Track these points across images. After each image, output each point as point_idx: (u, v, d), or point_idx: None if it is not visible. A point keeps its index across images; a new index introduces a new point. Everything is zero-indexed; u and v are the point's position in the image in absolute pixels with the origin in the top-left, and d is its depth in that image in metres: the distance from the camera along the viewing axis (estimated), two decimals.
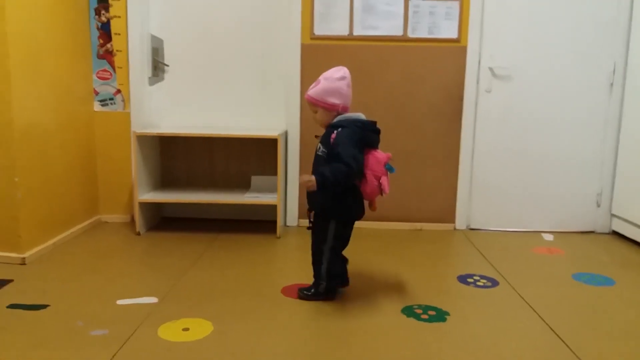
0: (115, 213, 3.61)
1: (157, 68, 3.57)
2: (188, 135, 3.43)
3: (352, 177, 2.15)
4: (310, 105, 2.28)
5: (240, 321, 2.12)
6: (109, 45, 3.44)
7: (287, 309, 2.26)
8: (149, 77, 3.53)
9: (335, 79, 2.23)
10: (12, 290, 2.38)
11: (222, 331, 2.03)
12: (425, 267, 2.82)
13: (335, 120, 2.24)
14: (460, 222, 3.58)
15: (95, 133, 3.52)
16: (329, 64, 3.38)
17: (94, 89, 3.48)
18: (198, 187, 3.65)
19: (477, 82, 3.45)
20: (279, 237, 3.31)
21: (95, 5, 3.39)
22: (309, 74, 3.42)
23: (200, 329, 2.05)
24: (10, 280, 2.48)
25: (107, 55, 3.45)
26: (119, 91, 3.48)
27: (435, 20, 3.38)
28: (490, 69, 3.44)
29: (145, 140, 3.36)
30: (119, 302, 2.28)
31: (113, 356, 1.82)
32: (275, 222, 3.35)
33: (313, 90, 2.24)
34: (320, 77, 2.25)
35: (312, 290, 2.36)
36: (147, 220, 3.42)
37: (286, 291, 2.44)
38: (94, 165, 3.53)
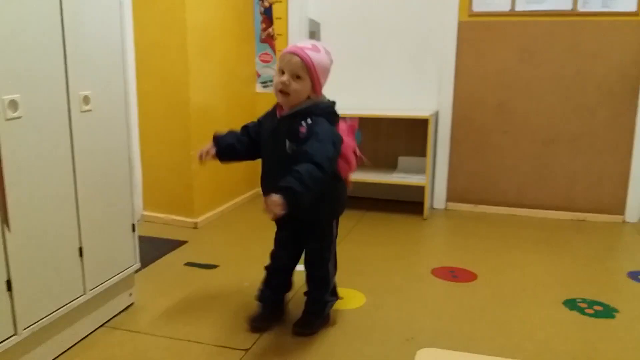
0: None
1: None
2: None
3: (323, 184, 1.62)
4: (295, 67, 1.65)
5: (392, 296, 2.15)
6: (270, 30, 3.64)
7: (440, 289, 2.25)
8: None
9: (330, 60, 1.74)
10: (187, 250, 2.68)
11: (375, 304, 2.08)
12: (589, 260, 2.61)
13: (304, 105, 1.70)
14: (631, 215, 3.23)
15: (257, 112, 3.76)
16: (488, 42, 3.27)
17: (257, 71, 3.72)
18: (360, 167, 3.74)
19: None
20: (426, 219, 3.27)
21: None
22: (465, 53, 3.31)
23: (354, 299, 2.12)
24: (186, 242, 2.79)
25: (268, 39, 3.66)
26: None
27: None
28: None
29: None
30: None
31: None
32: (422, 203, 3.32)
33: (316, 56, 1.67)
34: (319, 46, 1.72)
35: (321, 317, 1.90)
36: None
37: (437, 272, 2.41)
38: None
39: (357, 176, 3.42)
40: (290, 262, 1.95)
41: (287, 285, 1.98)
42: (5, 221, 1.44)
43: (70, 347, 1.74)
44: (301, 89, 1.66)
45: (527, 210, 3.35)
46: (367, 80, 3.69)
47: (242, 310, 2.02)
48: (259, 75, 3.73)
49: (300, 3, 3.56)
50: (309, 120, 1.66)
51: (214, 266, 2.45)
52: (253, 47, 3.67)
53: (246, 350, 1.75)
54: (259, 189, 3.84)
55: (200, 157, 1.83)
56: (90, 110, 1.73)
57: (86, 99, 1.71)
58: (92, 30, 1.73)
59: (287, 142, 1.67)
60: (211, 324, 1.91)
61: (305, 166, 1.56)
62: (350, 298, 2.13)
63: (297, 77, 1.65)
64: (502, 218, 3.28)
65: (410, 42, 3.55)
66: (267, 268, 1.96)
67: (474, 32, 3.29)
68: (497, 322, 1.96)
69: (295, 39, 3.57)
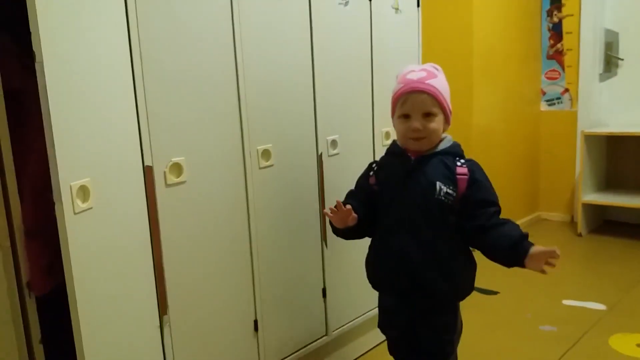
0: (555, 211, 3.63)
1: (610, 63, 3.38)
2: None
3: None
4: (424, 106, 1.31)
5: None
6: (559, 45, 3.45)
7: None
8: (600, 74, 3.38)
9: (444, 76, 1.38)
10: None
11: None
12: None
13: (446, 144, 1.37)
14: None
15: (541, 132, 3.61)
16: None
17: (542, 89, 3.56)
18: None
19: None
20: None
21: (547, 7, 3.46)
22: None
23: None
24: None
25: (556, 55, 3.48)
26: (566, 90, 3.47)
27: None
28: None
29: (592, 140, 3.24)
30: (565, 302, 2.31)
31: (563, 355, 1.88)
32: None
33: (439, 83, 1.33)
34: (430, 68, 1.36)
35: None
36: (589, 222, 3.30)
37: None
38: (537, 163, 3.63)
39: None
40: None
41: None
42: (324, 239, 1.74)
43: (363, 354, 1.97)
44: (438, 126, 1.34)
45: None
46: None
47: (527, 341, 1.99)
48: (544, 93, 3.57)
49: (595, 14, 3.29)
50: (462, 160, 1.35)
51: (494, 292, 2.45)
52: (539, 65, 3.54)
53: None
54: (538, 213, 3.70)
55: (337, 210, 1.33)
56: (337, 154, 1.74)
57: (334, 143, 1.73)
58: (342, 82, 1.75)
59: (439, 185, 1.30)
60: (494, 351, 1.93)
61: (506, 219, 1.31)
62: None
63: (428, 115, 1.32)
64: None
65: None
66: None
67: None
68: None
69: (589, 52, 3.31)
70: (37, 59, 1.01)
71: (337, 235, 1.43)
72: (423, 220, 1.31)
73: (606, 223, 3.47)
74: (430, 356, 1.39)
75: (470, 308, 2.30)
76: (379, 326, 1.48)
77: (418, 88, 1.30)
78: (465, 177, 1.31)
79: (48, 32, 1.01)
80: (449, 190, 1.30)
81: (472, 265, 1.39)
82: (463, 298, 1.41)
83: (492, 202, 1.32)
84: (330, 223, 1.40)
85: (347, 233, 1.40)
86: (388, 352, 1.48)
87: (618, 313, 2.18)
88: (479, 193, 1.31)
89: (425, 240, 1.30)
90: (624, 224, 3.41)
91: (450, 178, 1.31)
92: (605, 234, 3.26)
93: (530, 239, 1.28)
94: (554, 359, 1.85)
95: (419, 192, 1.31)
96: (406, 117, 1.33)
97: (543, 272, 1.25)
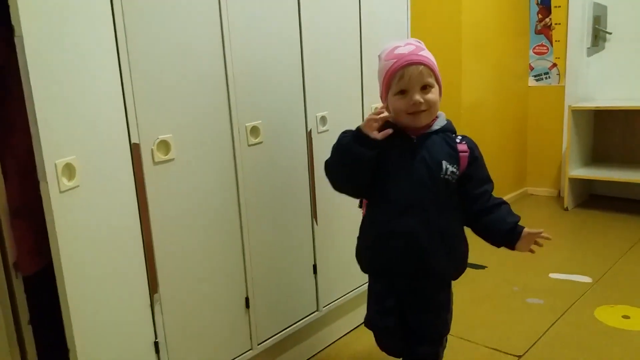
0: (542, 186, 3.66)
1: (598, 37, 3.37)
2: (629, 108, 3.14)
3: None
4: (422, 78, 1.27)
5: None
6: (547, 20, 3.44)
7: None
8: (588, 48, 3.37)
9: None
10: None
11: None
12: None
13: (444, 121, 1.35)
14: None
15: (528, 107, 3.62)
16: None
17: (530, 64, 3.56)
18: (634, 165, 3.32)
19: None
20: None
21: None
22: None
23: None
24: None
25: (545, 30, 3.46)
26: (554, 65, 3.46)
27: None
28: None
29: (579, 114, 3.25)
30: (551, 275, 2.34)
31: (550, 327, 1.91)
32: None
33: (429, 54, 1.31)
34: (414, 41, 1.33)
35: None
36: (576, 196, 3.34)
37: None
38: (525, 138, 3.65)
39: None
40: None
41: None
42: (314, 216, 1.73)
43: (354, 329, 1.99)
44: (436, 97, 1.30)
45: None
46: None
47: (513, 314, 2.02)
48: (532, 69, 3.56)
49: None
50: (459, 137, 1.34)
51: (482, 267, 2.47)
52: (527, 40, 3.52)
53: (519, 356, 1.75)
54: (525, 189, 3.73)
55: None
56: (327, 131, 1.71)
57: (323, 120, 1.71)
58: (333, 58, 1.74)
59: (445, 165, 1.28)
60: (481, 324, 1.96)
61: (502, 199, 1.35)
62: (637, 317, 1.93)
63: (426, 87, 1.28)
64: None
65: None
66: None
67: None
68: None
69: (577, 26, 3.30)
70: (17, 32, 0.98)
71: (340, 172, 1.38)
72: (429, 200, 1.28)
73: (592, 197, 3.51)
74: (427, 340, 1.40)
75: (458, 282, 2.33)
76: (369, 320, 1.46)
77: (414, 60, 1.26)
78: (466, 154, 1.31)
79: (28, 4, 0.98)
80: (453, 169, 1.29)
81: (467, 243, 1.39)
82: (459, 277, 1.42)
83: (489, 179, 1.36)
84: (352, 140, 1.32)
85: (354, 172, 1.33)
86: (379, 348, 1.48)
87: (604, 285, 2.22)
88: (479, 171, 1.34)
89: (432, 221, 1.28)
90: (610, 198, 3.45)
91: (454, 156, 1.30)
92: (591, 208, 3.30)
93: (517, 213, 1.34)
94: (541, 331, 1.88)
95: (424, 172, 1.28)
96: (403, 92, 1.28)
97: (531, 251, 1.31)
